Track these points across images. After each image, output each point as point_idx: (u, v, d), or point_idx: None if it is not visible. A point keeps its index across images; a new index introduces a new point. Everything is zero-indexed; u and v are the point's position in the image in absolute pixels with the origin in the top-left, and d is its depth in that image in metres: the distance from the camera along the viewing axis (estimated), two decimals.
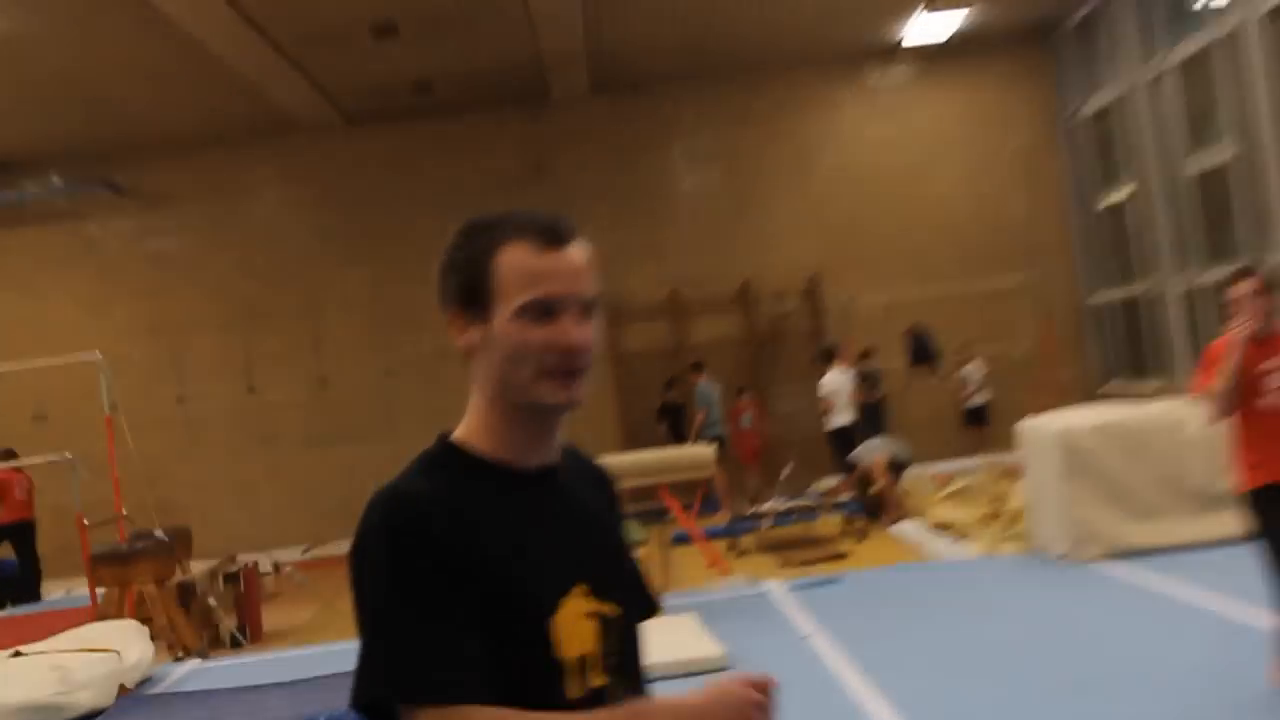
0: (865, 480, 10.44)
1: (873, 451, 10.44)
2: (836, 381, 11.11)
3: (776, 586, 8.17)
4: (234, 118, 12.69)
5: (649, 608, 1.41)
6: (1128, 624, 5.90)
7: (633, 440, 12.21)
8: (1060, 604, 6.64)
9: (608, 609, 1.27)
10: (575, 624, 1.24)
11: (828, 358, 11.38)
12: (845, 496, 10.93)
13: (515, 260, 1.24)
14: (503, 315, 1.23)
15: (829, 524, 10.55)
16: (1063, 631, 5.89)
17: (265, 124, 12.90)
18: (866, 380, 11.96)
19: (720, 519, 11.01)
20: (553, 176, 13.13)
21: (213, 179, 13.51)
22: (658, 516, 9.46)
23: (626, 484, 8.61)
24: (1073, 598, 6.74)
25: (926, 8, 11.78)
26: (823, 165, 13.56)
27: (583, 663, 1.24)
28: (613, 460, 8.34)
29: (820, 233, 13.41)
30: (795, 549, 10.06)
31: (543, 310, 1.22)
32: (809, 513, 10.85)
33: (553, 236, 1.25)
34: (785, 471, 11.16)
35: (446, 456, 1.28)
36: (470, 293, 1.25)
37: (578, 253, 1.27)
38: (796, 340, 13.39)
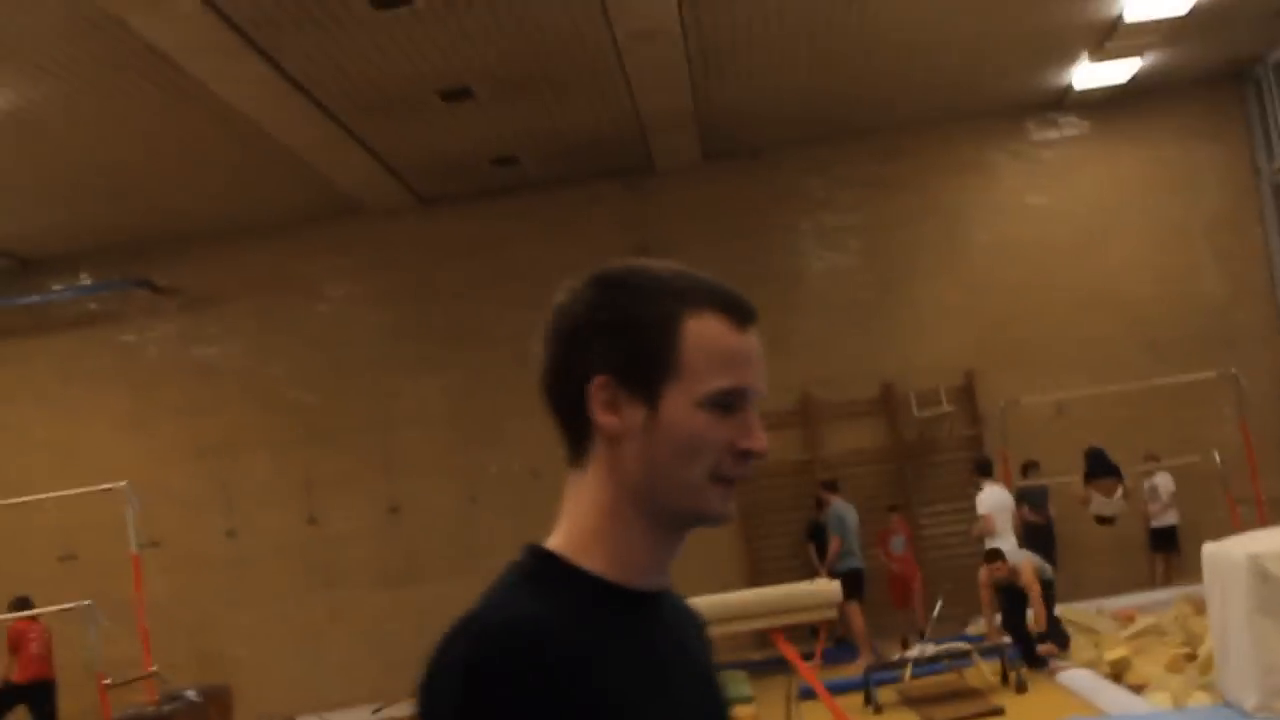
0: (1012, 585, 12.72)
1: (1019, 556, 12.91)
2: (996, 499, 13.63)
3: None
4: (288, 203, 15.99)
5: None
6: None
7: (760, 574, 15.16)
8: None
9: None
10: None
11: (984, 472, 13.98)
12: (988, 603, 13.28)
13: (710, 334, 1.43)
14: (683, 399, 1.40)
15: (984, 672, 12.67)
16: None
17: (325, 209, 16.30)
18: (1030, 498, 14.71)
19: (855, 668, 13.50)
20: (660, 257, 15.96)
21: (265, 275, 16.87)
22: (780, 666, 11.73)
23: (738, 627, 10.67)
24: None
25: (1091, 58, 14.63)
26: (977, 240, 16.69)
27: None
28: (718, 600, 10.66)
29: (976, 322, 16.44)
30: (942, 703, 12.23)
31: (731, 401, 1.41)
32: (961, 658, 13.09)
33: (745, 314, 1.48)
34: (935, 610, 13.80)
35: (545, 572, 1.43)
36: (640, 362, 1.41)
37: (756, 337, 1.50)
38: (949, 451, 16.50)
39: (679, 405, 1.40)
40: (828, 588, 11.50)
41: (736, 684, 12.32)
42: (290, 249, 16.98)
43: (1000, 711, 11.47)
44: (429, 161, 15.38)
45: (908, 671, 12.77)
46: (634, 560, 1.46)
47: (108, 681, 12.62)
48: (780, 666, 12.26)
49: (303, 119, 13.43)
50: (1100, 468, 15.12)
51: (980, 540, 13.81)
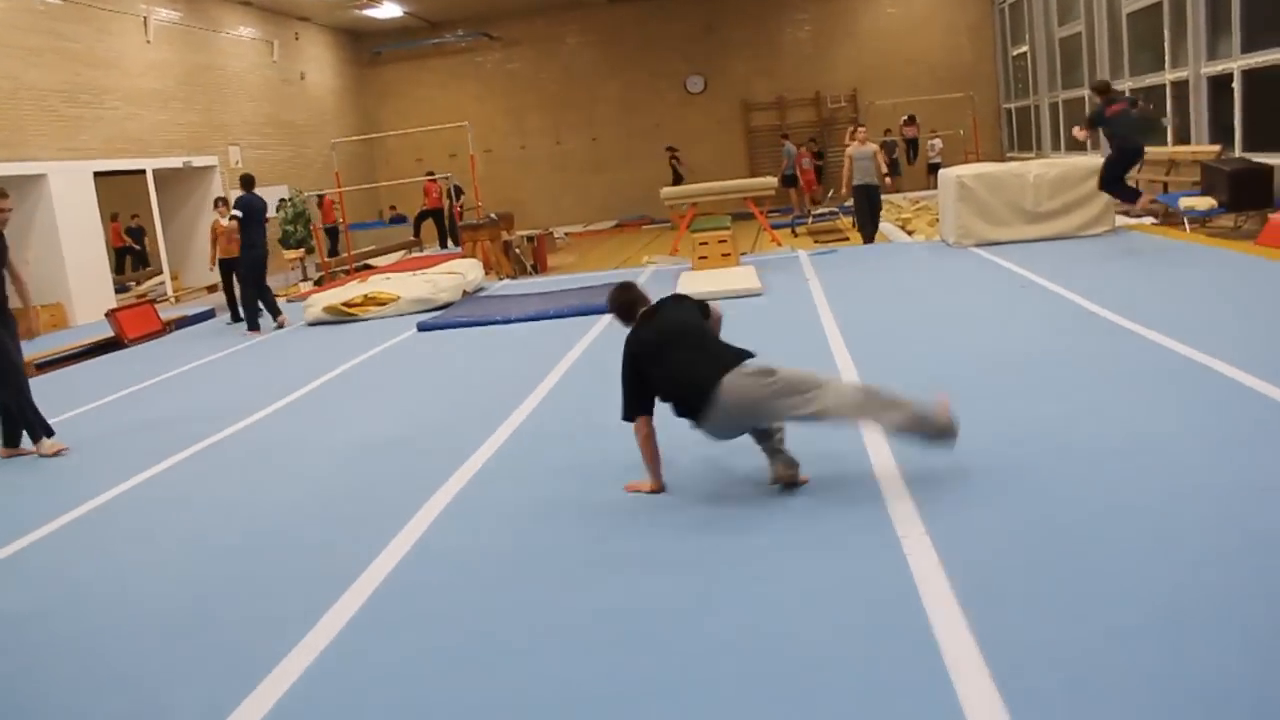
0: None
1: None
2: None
3: (804, 254, 15.92)
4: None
5: None
6: (977, 276, 12.38)
7: (753, 174, 29.93)
8: (946, 266, 13.55)
9: None
10: None
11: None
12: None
13: None
14: None
15: (845, 222, 21.37)
16: (944, 279, 12.52)
17: (569, 2, 30.76)
18: (887, 147, 27.70)
19: (789, 218, 25.52)
20: (717, 34, 30.58)
21: (541, 32, 31.66)
22: (751, 218, 19.71)
23: (731, 198, 20.42)
24: (954, 264, 13.58)
25: None
26: (864, 26, 30.47)
27: None
28: (731, 184, 18.87)
29: (860, 63, 30.19)
30: (822, 235, 20.08)
31: None
32: (834, 216, 22.65)
33: None
34: (828, 194, 27.35)
35: None
36: None
37: None
38: (842, 124, 29.68)
39: None
40: (769, 180, 18.37)
41: (720, 220, 17.13)
42: (553, 21, 31.30)
43: (847, 239, 18.96)
44: None
45: (812, 221, 22.44)
46: None
47: (459, 208, 23.20)
48: (751, 218, 20.03)
49: None
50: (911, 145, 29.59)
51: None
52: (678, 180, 28.67)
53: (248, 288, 15.66)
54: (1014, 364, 8.09)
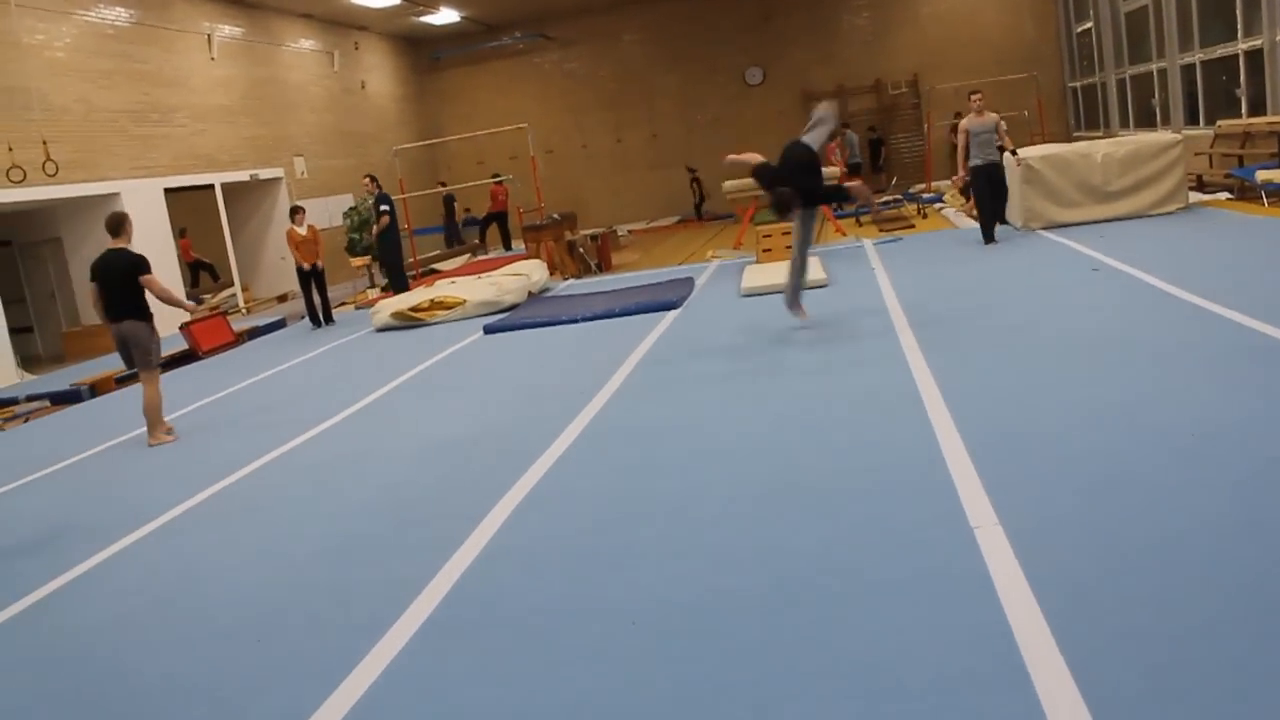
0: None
1: None
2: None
3: (870, 243, 16.48)
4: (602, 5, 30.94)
5: None
6: (1046, 259, 12.41)
7: None
8: (1014, 251, 13.67)
9: None
10: None
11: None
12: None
13: None
14: None
15: (909, 209, 21.75)
16: (1012, 264, 12.58)
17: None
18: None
19: (852, 207, 24.64)
20: (774, 24, 30.96)
21: (598, 30, 31.68)
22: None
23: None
24: (1022, 248, 13.75)
25: None
26: (923, 10, 30.45)
27: None
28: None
29: (920, 47, 30.20)
30: (888, 223, 19.71)
31: None
32: (899, 203, 22.55)
33: None
34: (892, 182, 27.81)
35: None
36: None
37: None
38: (904, 110, 30.50)
39: None
40: (833, 169, 20.56)
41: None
42: (609, 19, 31.11)
43: (913, 226, 19.21)
44: None
45: (878, 209, 21.13)
46: None
47: (521, 210, 22.35)
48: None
49: None
50: None
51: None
52: (700, 203, 29.43)
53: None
54: (1085, 346, 7.99)
